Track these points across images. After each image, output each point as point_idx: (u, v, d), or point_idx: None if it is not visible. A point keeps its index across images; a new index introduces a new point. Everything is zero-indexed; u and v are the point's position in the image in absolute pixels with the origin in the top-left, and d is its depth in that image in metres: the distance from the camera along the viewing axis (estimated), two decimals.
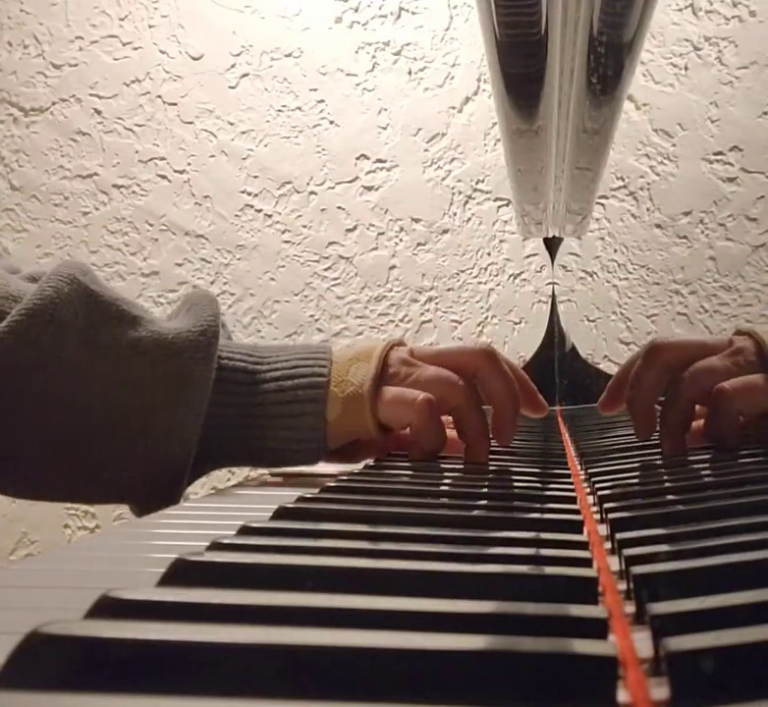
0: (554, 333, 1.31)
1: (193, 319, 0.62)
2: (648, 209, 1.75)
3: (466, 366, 0.62)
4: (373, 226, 1.78)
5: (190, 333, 0.61)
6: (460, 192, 1.78)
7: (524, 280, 1.77)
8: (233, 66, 1.80)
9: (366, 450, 0.66)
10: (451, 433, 0.62)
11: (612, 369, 1.67)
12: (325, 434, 0.61)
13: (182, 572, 0.27)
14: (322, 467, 0.65)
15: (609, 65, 0.68)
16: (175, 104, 1.80)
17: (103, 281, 0.63)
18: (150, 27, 1.81)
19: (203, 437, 0.60)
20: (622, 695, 0.20)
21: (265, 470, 0.66)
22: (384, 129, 1.79)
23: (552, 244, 1.32)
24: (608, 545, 0.36)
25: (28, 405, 0.58)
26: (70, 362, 0.58)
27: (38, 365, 0.57)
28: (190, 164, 1.80)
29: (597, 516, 0.42)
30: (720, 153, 1.73)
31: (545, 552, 0.31)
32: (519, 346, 1.74)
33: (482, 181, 1.78)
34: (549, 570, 0.28)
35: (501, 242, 1.77)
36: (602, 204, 1.74)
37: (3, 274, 0.63)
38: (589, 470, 0.54)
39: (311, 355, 0.63)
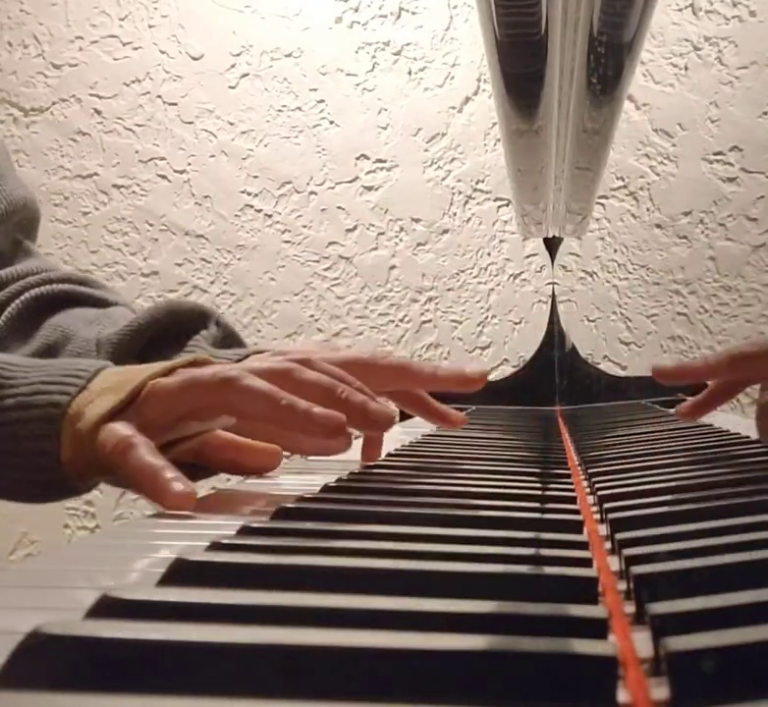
0: (554, 333, 1.31)
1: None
2: (648, 209, 1.75)
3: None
4: (373, 226, 1.78)
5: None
6: (460, 192, 1.78)
7: (524, 280, 1.77)
8: (233, 66, 1.80)
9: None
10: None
11: (612, 369, 1.67)
12: (62, 475, 0.52)
13: (182, 572, 0.27)
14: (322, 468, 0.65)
15: (609, 65, 0.69)
16: (175, 104, 1.80)
17: None
18: (150, 27, 1.81)
19: None
20: (622, 695, 0.20)
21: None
22: (384, 129, 1.79)
23: (552, 245, 1.32)
24: (608, 545, 0.36)
25: None
26: None
27: None
28: (190, 164, 1.80)
29: (597, 516, 0.42)
30: (720, 153, 1.73)
31: (545, 552, 0.31)
32: (519, 346, 1.74)
33: (482, 181, 1.78)
34: (549, 570, 0.28)
35: (501, 242, 1.77)
36: (602, 204, 1.74)
37: None
38: (589, 470, 0.54)
39: (61, 379, 0.53)
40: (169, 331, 0.70)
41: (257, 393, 0.50)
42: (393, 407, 0.64)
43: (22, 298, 0.77)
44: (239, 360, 0.65)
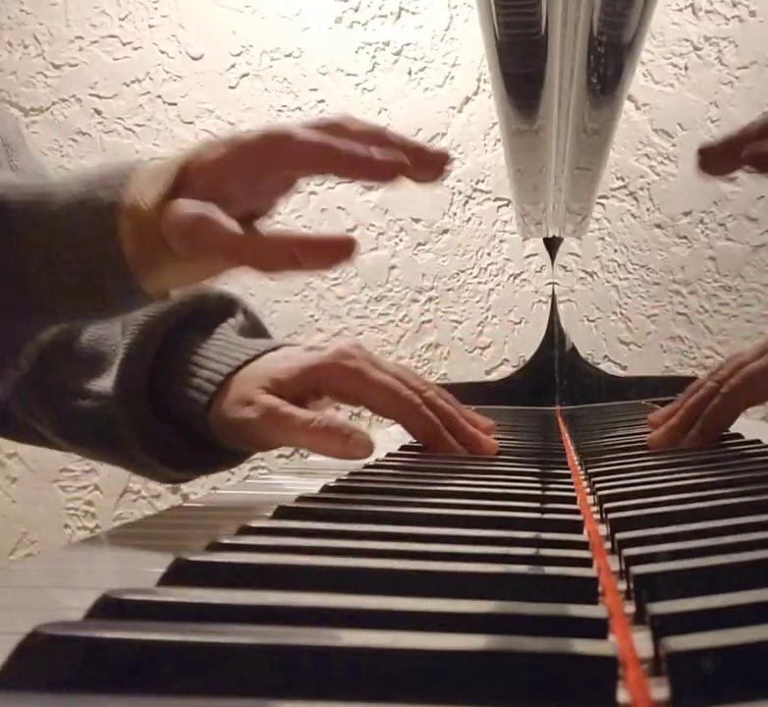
0: (554, 333, 1.31)
1: None
2: (648, 209, 1.75)
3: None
4: (373, 226, 1.78)
5: None
6: (460, 192, 1.78)
7: (524, 280, 1.77)
8: (233, 66, 1.80)
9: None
10: None
11: (612, 369, 1.67)
12: (128, 272, 0.48)
13: (182, 572, 0.27)
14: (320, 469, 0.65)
15: (609, 65, 0.69)
16: (175, 104, 1.80)
17: None
18: (150, 26, 1.81)
19: None
20: (622, 695, 0.20)
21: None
22: None
23: (552, 245, 1.32)
24: (608, 545, 0.36)
25: None
26: None
27: None
28: None
29: (597, 516, 0.42)
30: None
31: (545, 552, 0.31)
32: (519, 346, 1.74)
33: (482, 181, 1.78)
34: (549, 570, 0.28)
35: (501, 242, 1.77)
36: (602, 204, 1.74)
37: None
38: (589, 470, 0.54)
39: (105, 183, 0.49)
40: (197, 316, 0.69)
41: (311, 145, 0.48)
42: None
43: None
44: (266, 351, 0.67)
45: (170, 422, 0.65)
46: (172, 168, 0.49)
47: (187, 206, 0.47)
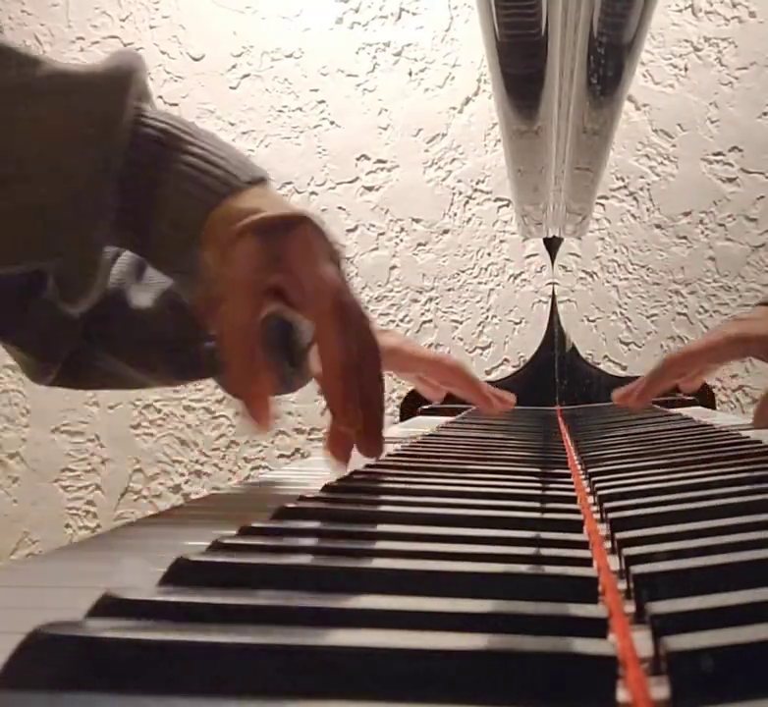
0: (554, 333, 1.31)
1: (104, 64, 0.54)
2: (648, 209, 1.75)
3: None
4: (374, 226, 1.78)
5: (104, 69, 0.53)
6: (460, 193, 1.78)
7: (524, 280, 1.77)
8: (234, 66, 1.80)
9: None
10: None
11: (612, 369, 1.67)
12: (199, 229, 0.52)
13: (182, 572, 0.27)
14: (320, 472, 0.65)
15: (609, 65, 0.69)
16: (176, 104, 1.80)
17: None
18: (151, 27, 1.81)
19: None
20: (622, 694, 0.20)
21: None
22: (384, 129, 1.79)
23: (552, 245, 1.32)
24: (608, 545, 0.36)
25: None
26: None
27: None
28: None
29: (597, 516, 0.42)
30: (720, 154, 1.73)
31: (545, 551, 0.31)
32: (519, 346, 1.74)
33: (482, 181, 1.78)
34: (549, 569, 0.28)
35: (501, 242, 1.77)
36: (602, 204, 1.74)
37: None
38: (589, 470, 0.54)
39: (233, 167, 0.54)
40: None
41: (340, 353, 0.49)
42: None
43: None
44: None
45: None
46: (278, 208, 0.52)
47: (260, 257, 0.50)
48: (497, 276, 1.77)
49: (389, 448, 0.67)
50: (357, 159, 1.79)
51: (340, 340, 0.49)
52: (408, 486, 0.48)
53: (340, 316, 0.49)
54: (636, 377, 0.91)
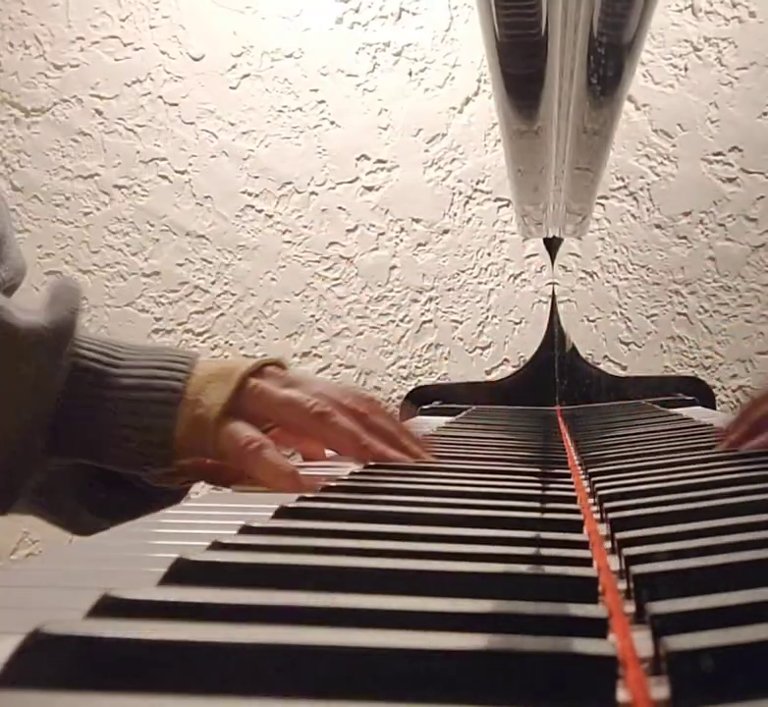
0: (554, 333, 1.31)
1: (51, 314, 0.58)
2: (648, 209, 1.75)
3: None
4: (374, 226, 1.78)
5: (43, 329, 0.56)
6: (460, 193, 1.78)
7: (524, 280, 1.77)
8: (234, 66, 1.80)
9: (222, 474, 0.63)
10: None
11: (612, 369, 1.67)
12: (172, 451, 0.58)
13: (183, 572, 0.27)
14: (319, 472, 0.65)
15: (609, 65, 0.69)
16: (176, 105, 1.80)
17: None
18: (151, 27, 1.81)
19: (51, 426, 0.57)
20: (622, 694, 0.20)
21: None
22: (384, 129, 1.79)
23: (552, 245, 1.32)
24: (608, 544, 0.36)
25: None
26: None
27: None
28: (191, 164, 1.80)
29: (597, 516, 0.42)
30: (720, 154, 1.73)
31: (545, 551, 0.31)
32: (519, 346, 1.74)
33: (482, 181, 1.78)
34: (549, 569, 0.28)
35: (501, 242, 1.77)
36: (602, 204, 1.74)
37: None
38: (589, 470, 0.54)
39: (170, 365, 0.59)
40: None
41: (343, 431, 0.59)
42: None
43: None
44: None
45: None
46: (232, 380, 0.59)
47: (243, 428, 0.57)
48: (497, 276, 1.77)
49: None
50: (357, 159, 1.79)
51: (331, 434, 0.60)
52: (407, 486, 0.48)
53: (320, 420, 0.59)
54: (637, 377, 0.91)
